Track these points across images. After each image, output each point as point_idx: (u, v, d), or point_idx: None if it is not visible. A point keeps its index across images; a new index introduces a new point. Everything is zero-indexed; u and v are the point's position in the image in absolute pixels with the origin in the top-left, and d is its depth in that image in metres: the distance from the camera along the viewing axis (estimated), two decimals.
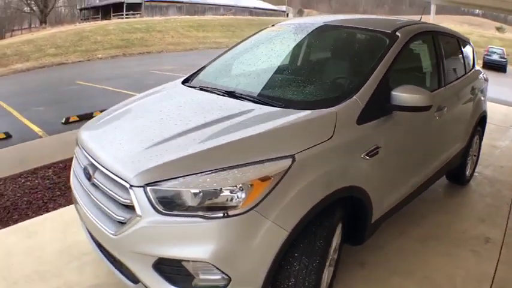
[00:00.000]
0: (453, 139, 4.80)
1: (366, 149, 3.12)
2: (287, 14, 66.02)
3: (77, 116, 9.06)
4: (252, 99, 3.35)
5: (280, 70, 4.15)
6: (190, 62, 22.54)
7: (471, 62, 5.58)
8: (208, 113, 3.19)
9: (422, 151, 4.11)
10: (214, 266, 2.53)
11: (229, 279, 2.56)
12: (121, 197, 2.63)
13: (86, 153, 3.04)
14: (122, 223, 2.63)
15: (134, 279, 2.71)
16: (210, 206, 2.52)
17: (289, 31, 4.78)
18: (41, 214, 4.40)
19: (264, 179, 2.56)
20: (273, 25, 4.91)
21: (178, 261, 2.56)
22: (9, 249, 3.70)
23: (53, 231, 3.98)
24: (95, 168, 2.89)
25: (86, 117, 9.00)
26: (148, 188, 2.52)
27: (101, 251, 3.04)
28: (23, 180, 5.35)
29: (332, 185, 2.86)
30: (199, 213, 2.50)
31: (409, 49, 3.93)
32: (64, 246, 3.74)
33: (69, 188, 5.03)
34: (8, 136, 8.17)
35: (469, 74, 5.29)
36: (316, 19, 4.84)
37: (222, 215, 2.50)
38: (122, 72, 18.06)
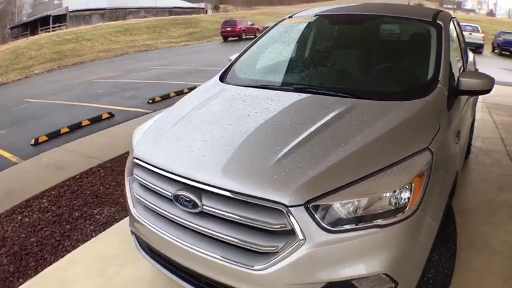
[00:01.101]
0: (470, 116, 4.78)
1: (455, 134, 3.07)
2: (206, 11, 65.22)
3: (46, 136, 8.06)
4: (340, 94, 3.07)
5: (341, 62, 3.83)
6: (127, 67, 21.73)
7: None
8: (311, 113, 2.86)
9: (465, 130, 4.12)
10: (388, 276, 2.21)
11: (396, 285, 2.25)
12: (268, 222, 2.15)
13: (173, 177, 2.45)
14: (267, 253, 2.18)
15: None
16: (379, 213, 2.20)
17: (320, 22, 4.49)
18: (62, 256, 3.68)
19: (420, 176, 2.33)
20: (290, 16, 4.55)
21: (349, 281, 2.18)
22: None
23: (89, 275, 3.32)
24: (199, 193, 2.34)
25: (55, 135, 8.15)
26: (310, 206, 2.12)
27: None
28: (19, 217, 4.50)
29: (453, 172, 2.77)
30: (372, 223, 2.17)
31: None
32: None
33: (78, 218, 4.45)
34: None
35: (468, 54, 5.31)
36: (338, 9, 4.69)
37: (395, 220, 2.19)
38: (65, 85, 16.70)
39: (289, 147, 2.40)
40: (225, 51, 27.21)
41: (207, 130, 2.79)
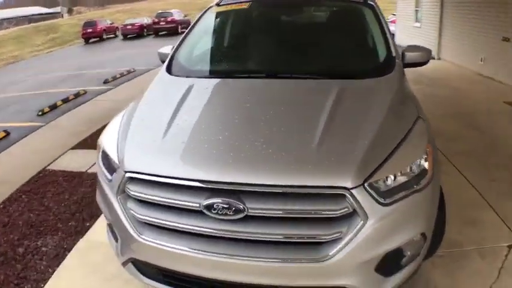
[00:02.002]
0: None
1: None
2: (62, 15, 59.66)
3: None
4: (320, 76, 2.91)
5: (300, 45, 3.47)
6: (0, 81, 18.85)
7: None
8: (310, 97, 2.65)
9: None
10: (422, 235, 2.19)
11: (425, 241, 2.23)
12: (330, 209, 1.92)
13: (199, 184, 2.00)
14: (328, 242, 1.94)
15: None
16: (414, 179, 2.14)
17: (258, 7, 3.98)
18: None
19: (429, 141, 2.35)
20: (217, 4, 3.93)
21: (399, 248, 2.09)
22: None
23: None
24: (238, 196, 1.93)
25: None
26: (367, 184, 1.96)
27: None
28: None
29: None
30: (412, 189, 2.10)
31: None
32: None
33: (25, 254, 3.57)
34: None
35: None
36: None
37: (426, 182, 2.16)
38: None
39: (319, 133, 2.17)
40: (90, 54, 25.12)
41: (214, 128, 2.34)
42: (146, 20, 33.21)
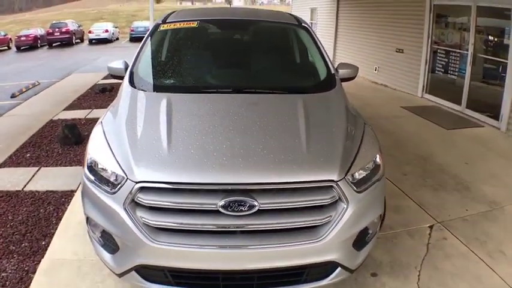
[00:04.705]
0: None
1: None
2: None
3: None
4: (279, 91, 3.25)
5: (252, 63, 3.77)
6: None
7: None
8: (282, 108, 3.02)
9: None
10: (380, 216, 2.73)
11: (380, 220, 2.78)
12: (322, 199, 2.32)
13: (216, 187, 2.24)
14: (318, 226, 2.33)
15: (325, 275, 2.46)
16: (374, 171, 2.63)
17: (207, 27, 4.12)
18: None
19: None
20: (163, 22, 4.04)
21: (366, 227, 2.55)
22: None
23: None
24: (249, 194, 2.22)
25: None
26: (346, 177, 2.39)
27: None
28: None
29: None
30: (374, 178, 2.59)
31: None
32: None
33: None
34: None
35: None
36: (211, 13, 4.58)
37: (381, 173, 2.71)
38: None
39: (304, 139, 2.55)
40: None
41: (215, 138, 2.53)
42: (40, 31, 31.26)
